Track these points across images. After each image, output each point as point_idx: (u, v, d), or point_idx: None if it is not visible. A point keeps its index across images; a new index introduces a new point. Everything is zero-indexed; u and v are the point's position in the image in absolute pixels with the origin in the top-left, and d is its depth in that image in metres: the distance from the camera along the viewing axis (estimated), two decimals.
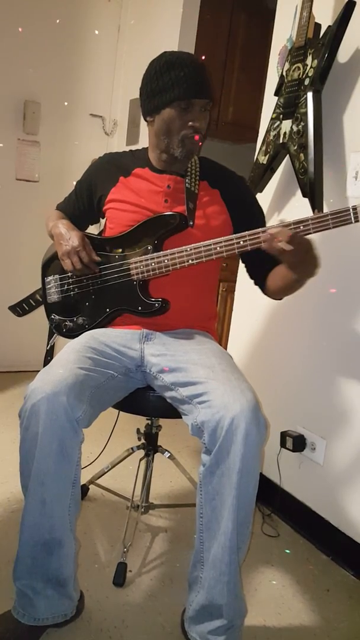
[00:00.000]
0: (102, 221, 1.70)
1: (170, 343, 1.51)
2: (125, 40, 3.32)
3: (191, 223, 1.50)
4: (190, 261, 1.44)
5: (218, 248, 1.40)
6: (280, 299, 1.65)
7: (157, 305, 1.51)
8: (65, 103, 3.23)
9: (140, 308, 1.52)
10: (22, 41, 3.03)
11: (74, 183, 1.74)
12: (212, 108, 1.52)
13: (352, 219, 1.25)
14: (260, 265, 1.58)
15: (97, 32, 3.23)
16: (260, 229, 1.35)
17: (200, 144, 1.50)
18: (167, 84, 1.44)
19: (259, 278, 1.62)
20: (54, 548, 1.29)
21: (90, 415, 1.31)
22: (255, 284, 1.65)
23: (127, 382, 1.53)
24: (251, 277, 1.65)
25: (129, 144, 3.26)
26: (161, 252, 1.47)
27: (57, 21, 3.09)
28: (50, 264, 1.68)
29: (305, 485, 1.96)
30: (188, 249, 1.43)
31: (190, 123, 1.46)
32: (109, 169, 1.64)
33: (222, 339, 2.69)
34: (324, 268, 1.87)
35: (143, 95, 1.53)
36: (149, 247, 1.50)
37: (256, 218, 1.62)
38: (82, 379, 1.31)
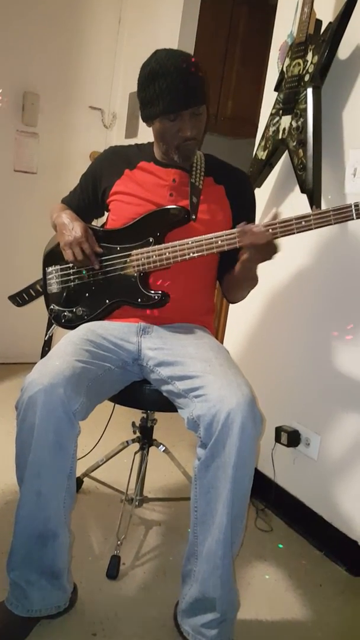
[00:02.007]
0: (106, 214, 1.69)
1: (167, 337, 1.51)
2: (126, 32, 3.30)
3: (193, 217, 1.50)
4: (191, 254, 1.44)
5: (219, 241, 1.41)
6: (233, 300, 1.67)
7: (156, 297, 1.50)
8: (64, 95, 3.22)
9: (139, 300, 1.52)
10: (21, 32, 3.01)
11: (79, 175, 1.73)
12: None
13: (354, 215, 1.27)
14: (229, 263, 1.60)
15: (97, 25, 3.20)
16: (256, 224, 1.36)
17: (196, 147, 1.51)
18: (153, 96, 1.44)
19: (222, 273, 1.65)
20: (49, 540, 1.30)
21: (86, 408, 1.32)
22: (217, 278, 1.68)
23: (124, 375, 1.53)
24: (218, 272, 1.67)
25: (128, 137, 3.24)
26: (162, 245, 1.47)
27: (57, 12, 3.07)
28: (52, 255, 1.67)
29: (299, 480, 1.97)
30: (190, 242, 1.43)
31: (180, 134, 1.46)
32: (114, 162, 1.63)
33: (218, 333, 2.69)
34: (322, 265, 1.89)
35: (138, 102, 1.53)
36: (151, 240, 1.50)
37: (251, 218, 1.63)
38: (79, 372, 1.31)
